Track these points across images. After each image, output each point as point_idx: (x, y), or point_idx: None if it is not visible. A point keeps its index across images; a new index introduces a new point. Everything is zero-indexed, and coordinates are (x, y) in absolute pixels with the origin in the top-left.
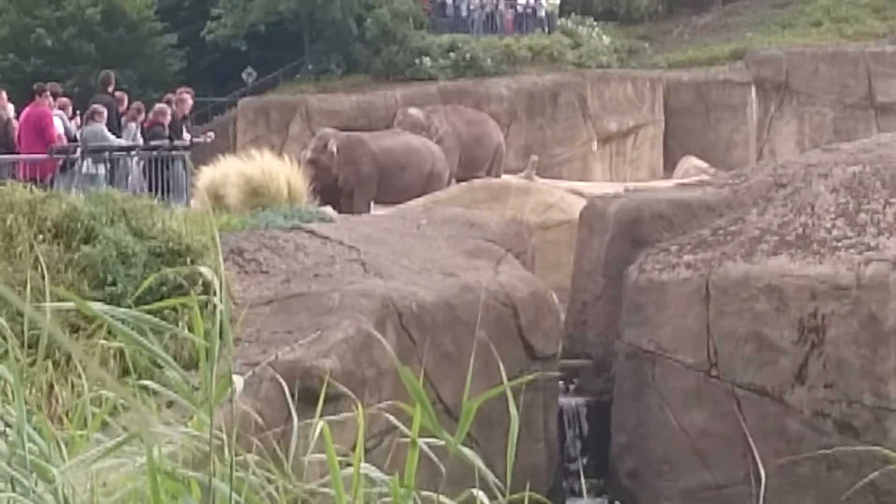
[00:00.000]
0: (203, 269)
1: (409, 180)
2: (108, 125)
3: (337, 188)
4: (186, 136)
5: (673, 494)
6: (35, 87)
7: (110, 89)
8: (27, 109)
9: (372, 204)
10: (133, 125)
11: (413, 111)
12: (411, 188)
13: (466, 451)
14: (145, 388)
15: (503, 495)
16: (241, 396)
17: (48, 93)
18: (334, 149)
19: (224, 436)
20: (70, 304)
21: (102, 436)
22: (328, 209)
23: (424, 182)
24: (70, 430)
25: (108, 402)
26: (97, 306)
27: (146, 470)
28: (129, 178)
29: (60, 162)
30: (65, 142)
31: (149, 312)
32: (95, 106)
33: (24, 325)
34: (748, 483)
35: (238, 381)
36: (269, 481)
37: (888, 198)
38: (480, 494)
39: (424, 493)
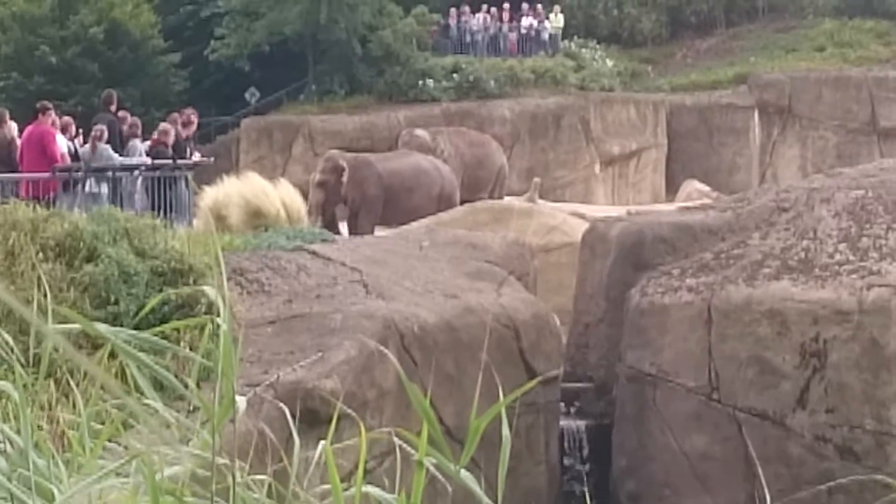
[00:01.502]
0: (207, 290)
1: (417, 202)
2: (111, 144)
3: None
4: (196, 155)
5: None
6: (38, 105)
7: (112, 108)
8: (30, 128)
9: (376, 225)
10: (137, 142)
11: (420, 132)
12: (420, 209)
13: (465, 474)
14: (147, 407)
15: None
16: (242, 417)
17: (51, 111)
18: (345, 177)
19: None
20: (76, 326)
21: (105, 453)
22: (342, 228)
23: (434, 203)
24: (71, 448)
25: (113, 420)
26: (101, 327)
27: (147, 490)
28: (133, 197)
29: (63, 180)
30: (68, 161)
31: (153, 333)
32: (99, 126)
33: (26, 344)
34: None
35: (241, 402)
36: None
37: (891, 223)
38: None
39: None
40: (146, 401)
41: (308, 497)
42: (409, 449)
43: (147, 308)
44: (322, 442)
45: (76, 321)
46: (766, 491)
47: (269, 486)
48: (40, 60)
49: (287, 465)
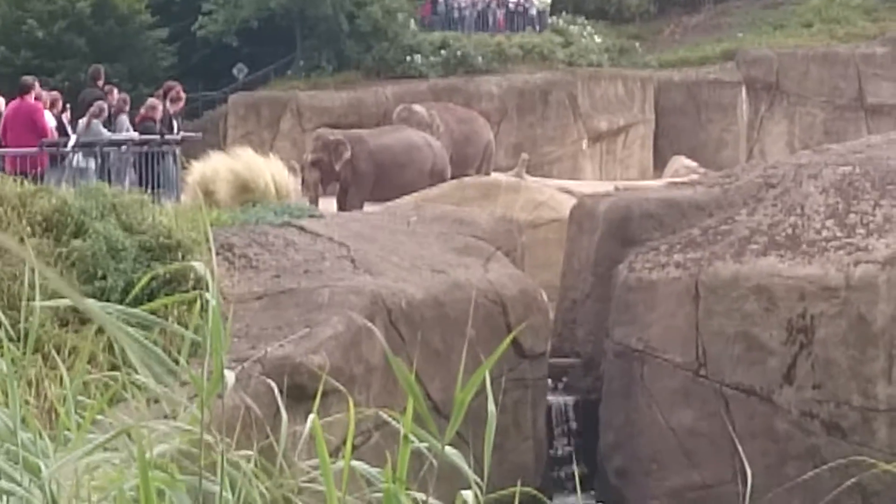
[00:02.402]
0: (196, 265)
1: (409, 178)
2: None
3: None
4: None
5: (660, 493)
6: (22, 84)
7: (100, 84)
8: (14, 103)
9: (367, 201)
10: (124, 117)
11: (418, 108)
12: (412, 185)
13: (450, 449)
14: (136, 382)
15: (483, 491)
16: (230, 392)
17: (34, 88)
18: (347, 154)
19: (210, 433)
20: (65, 301)
21: (94, 428)
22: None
23: (426, 179)
24: (59, 424)
25: (101, 395)
26: (89, 302)
27: (137, 465)
28: (121, 172)
29: (50, 156)
30: (55, 136)
31: (143, 309)
32: (100, 104)
33: (13, 319)
34: (735, 483)
35: (230, 377)
36: (258, 477)
37: (878, 199)
38: (468, 494)
39: (416, 494)
40: (135, 376)
41: (297, 469)
42: (396, 425)
43: (138, 287)
44: (311, 416)
45: (66, 296)
46: (749, 467)
47: (257, 462)
48: (27, 35)
49: (273, 441)
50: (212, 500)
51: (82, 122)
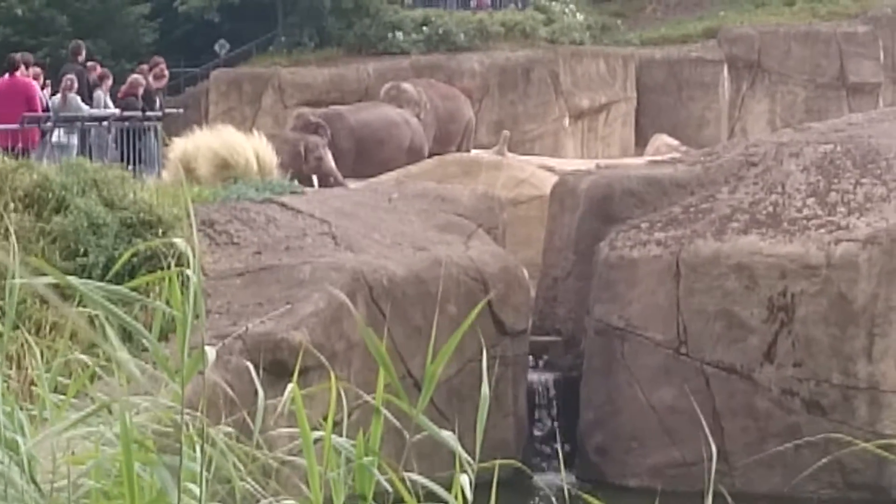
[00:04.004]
0: (177, 241)
1: (388, 154)
2: (80, 95)
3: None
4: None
5: (641, 471)
6: (12, 61)
7: (80, 59)
8: (5, 80)
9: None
10: (100, 92)
11: (407, 86)
12: (391, 162)
13: (426, 420)
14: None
15: (474, 471)
16: (211, 368)
17: (21, 67)
18: (327, 138)
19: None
20: (48, 279)
21: (76, 403)
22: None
23: (404, 156)
24: (38, 401)
25: (82, 372)
26: (70, 278)
27: (119, 439)
28: (102, 147)
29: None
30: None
31: (123, 285)
32: (70, 77)
33: None
34: (717, 460)
35: (210, 353)
36: (233, 451)
37: (859, 178)
38: (464, 479)
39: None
40: (116, 353)
41: (274, 444)
42: (371, 401)
43: (120, 262)
44: (290, 385)
45: (48, 272)
46: (730, 445)
47: (237, 437)
48: (7, 11)
49: (247, 418)
50: (187, 475)
51: (56, 98)
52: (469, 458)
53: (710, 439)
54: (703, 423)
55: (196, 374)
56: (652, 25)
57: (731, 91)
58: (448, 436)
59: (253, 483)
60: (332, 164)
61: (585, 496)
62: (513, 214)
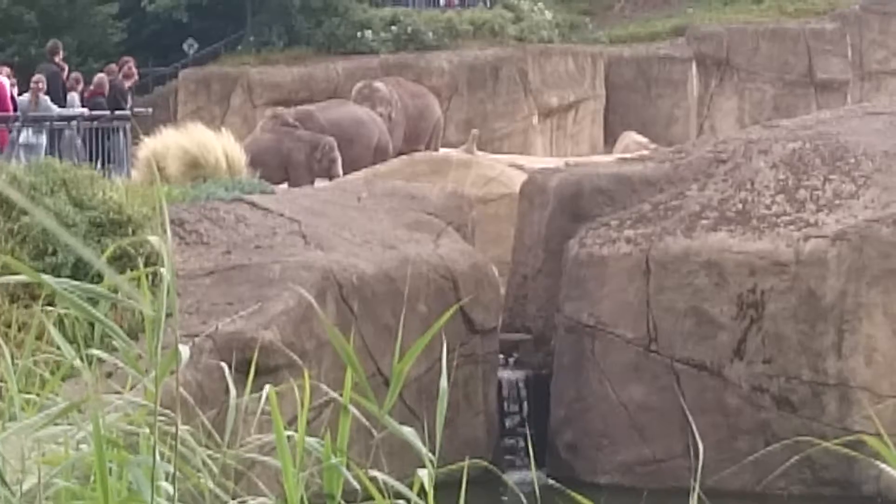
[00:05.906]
0: (151, 239)
1: (356, 153)
2: (54, 95)
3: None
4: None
5: (611, 468)
6: None
7: (57, 59)
8: None
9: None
10: (74, 94)
11: (379, 85)
12: (358, 161)
13: (389, 419)
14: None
15: (434, 466)
16: (182, 367)
17: None
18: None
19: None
20: (21, 277)
21: (49, 399)
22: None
23: (371, 154)
24: (6, 399)
25: (62, 368)
26: (44, 276)
27: (91, 439)
28: (71, 147)
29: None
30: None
31: (93, 283)
32: (39, 77)
33: None
34: (686, 457)
35: (184, 352)
36: (204, 452)
37: (827, 174)
38: (424, 473)
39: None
40: (89, 351)
41: (245, 442)
42: (339, 399)
43: (102, 258)
44: (267, 387)
45: (20, 270)
46: (700, 441)
47: (210, 435)
48: None
49: (206, 422)
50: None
51: (25, 97)
52: (430, 454)
53: (697, 436)
54: (691, 420)
55: (168, 373)
56: (620, 23)
57: (700, 88)
58: (409, 432)
59: (216, 488)
60: (341, 168)
61: (559, 487)
62: (482, 212)
